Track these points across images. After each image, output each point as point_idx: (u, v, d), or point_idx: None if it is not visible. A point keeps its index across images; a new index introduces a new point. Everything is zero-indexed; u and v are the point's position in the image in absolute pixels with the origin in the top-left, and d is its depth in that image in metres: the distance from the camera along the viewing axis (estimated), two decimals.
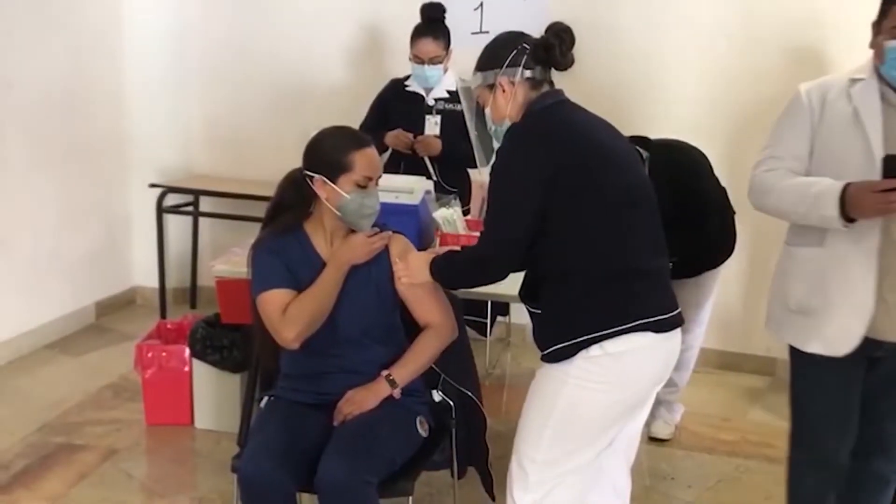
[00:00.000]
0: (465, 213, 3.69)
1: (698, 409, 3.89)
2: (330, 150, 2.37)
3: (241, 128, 4.94)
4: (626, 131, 2.35)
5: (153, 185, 4.74)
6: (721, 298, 3.73)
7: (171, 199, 4.83)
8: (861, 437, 2.34)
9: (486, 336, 4.27)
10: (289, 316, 2.32)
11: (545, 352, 2.14)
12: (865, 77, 2.18)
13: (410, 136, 3.72)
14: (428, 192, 3.17)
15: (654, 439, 3.62)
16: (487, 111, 2.26)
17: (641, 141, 3.15)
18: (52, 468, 3.25)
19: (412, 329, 2.51)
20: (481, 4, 4.38)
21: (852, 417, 2.32)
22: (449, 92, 3.74)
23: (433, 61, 3.69)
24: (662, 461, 3.47)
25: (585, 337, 2.05)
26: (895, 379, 2.30)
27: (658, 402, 3.66)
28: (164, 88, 4.90)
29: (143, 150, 4.93)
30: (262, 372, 2.63)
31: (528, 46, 2.18)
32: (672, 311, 2.15)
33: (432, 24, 3.72)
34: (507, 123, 2.21)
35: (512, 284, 2.32)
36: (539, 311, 2.18)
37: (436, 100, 3.79)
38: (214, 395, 3.54)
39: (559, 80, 2.26)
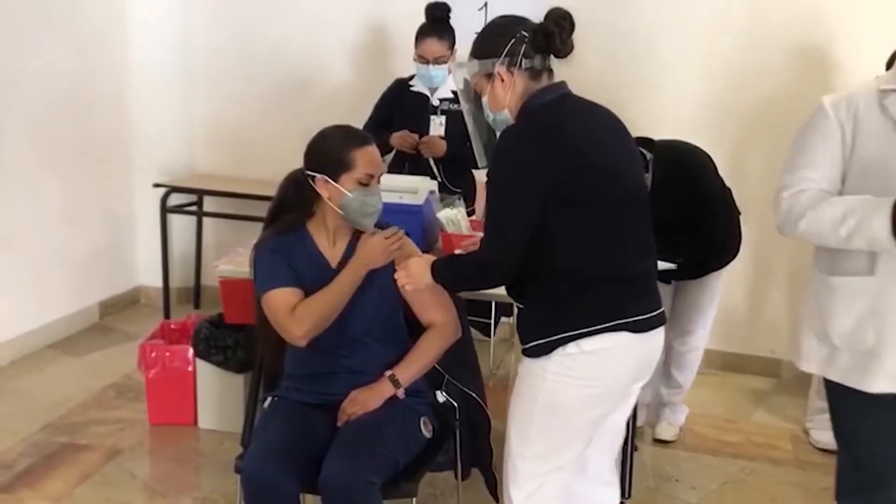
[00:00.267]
0: (470, 213, 3.69)
1: (703, 410, 3.88)
2: (331, 149, 2.37)
3: (245, 127, 4.93)
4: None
5: (157, 185, 4.74)
6: (725, 299, 3.72)
7: (175, 199, 4.82)
8: None
9: (489, 337, 4.26)
10: (298, 314, 2.32)
11: (525, 346, 2.18)
12: None
13: (416, 136, 3.72)
14: (432, 193, 3.16)
15: (658, 441, 3.61)
16: (485, 100, 2.21)
17: (645, 142, 3.14)
18: (56, 468, 3.25)
19: (415, 329, 2.51)
20: (486, 4, 4.37)
21: None
22: (453, 92, 3.69)
23: (438, 61, 3.67)
24: (667, 463, 3.46)
25: (563, 335, 2.08)
26: None
27: (662, 404, 3.66)
28: (169, 88, 4.90)
29: (147, 149, 4.92)
30: (265, 372, 2.63)
31: (527, 34, 2.12)
32: (653, 312, 2.16)
33: (437, 24, 3.70)
34: (506, 113, 2.17)
35: None
36: (522, 307, 2.20)
37: (440, 100, 3.77)
38: (218, 396, 3.53)
39: (559, 72, 2.21)
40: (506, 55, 2.12)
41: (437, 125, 3.75)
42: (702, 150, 3.33)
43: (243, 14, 4.84)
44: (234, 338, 3.43)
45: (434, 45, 3.66)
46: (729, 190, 3.41)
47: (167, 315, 4.75)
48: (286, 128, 4.71)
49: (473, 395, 2.56)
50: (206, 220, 5.04)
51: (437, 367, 2.51)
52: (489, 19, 2.34)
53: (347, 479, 2.14)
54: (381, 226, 2.46)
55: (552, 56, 2.16)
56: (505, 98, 2.16)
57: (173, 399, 3.56)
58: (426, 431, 2.43)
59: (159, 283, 4.89)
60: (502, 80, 2.14)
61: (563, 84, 2.19)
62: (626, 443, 2.98)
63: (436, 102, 3.78)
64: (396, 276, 2.33)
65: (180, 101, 4.95)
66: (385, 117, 3.84)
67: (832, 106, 2.05)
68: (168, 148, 4.96)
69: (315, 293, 2.35)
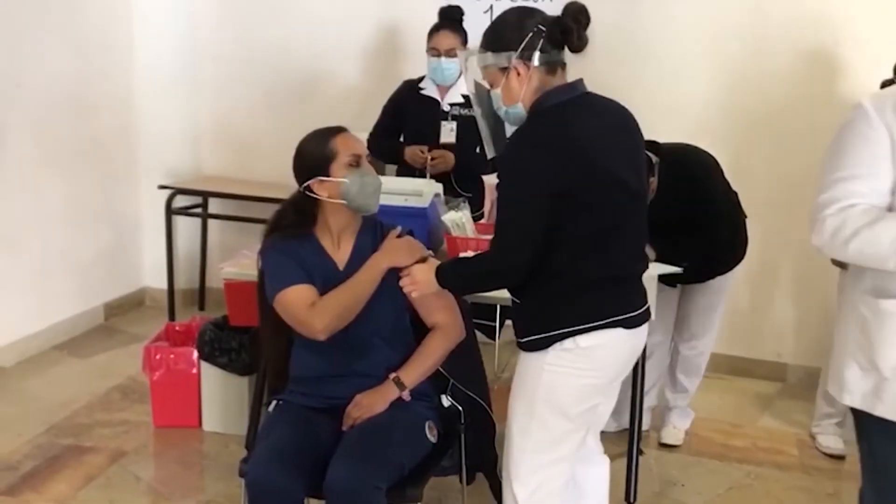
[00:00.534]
0: (479, 217, 3.67)
1: (708, 414, 3.86)
2: (310, 152, 2.42)
3: (250, 130, 4.93)
4: None
5: (162, 187, 4.74)
6: (731, 303, 3.70)
7: (181, 201, 4.83)
8: None
9: (494, 340, 4.25)
10: (318, 307, 2.33)
11: (521, 340, 2.20)
12: None
13: (426, 151, 3.64)
14: (437, 196, 3.15)
15: (663, 445, 3.59)
16: (497, 91, 2.20)
17: (651, 145, 3.13)
18: (60, 470, 3.24)
19: (420, 330, 2.51)
20: (491, 7, 4.37)
21: None
22: (464, 96, 3.67)
23: (449, 53, 3.62)
24: (672, 467, 3.44)
25: (560, 331, 2.12)
26: None
27: (668, 408, 3.65)
28: (174, 90, 4.91)
29: (153, 151, 4.93)
30: (270, 375, 2.62)
31: (543, 28, 2.12)
32: (642, 308, 2.22)
33: (451, 22, 3.70)
34: (520, 106, 2.16)
35: None
36: (519, 302, 2.22)
37: (451, 105, 3.73)
38: (222, 398, 3.53)
39: (567, 70, 2.19)
40: (523, 49, 2.11)
41: (448, 131, 3.70)
42: (706, 153, 3.31)
43: (249, 16, 4.84)
44: (238, 340, 3.43)
45: (448, 38, 3.63)
46: (735, 193, 3.39)
47: (172, 317, 4.75)
48: (292, 130, 4.62)
49: (479, 399, 2.56)
50: (211, 221, 5.04)
51: (443, 371, 2.50)
52: None
53: (352, 484, 2.14)
54: (387, 228, 2.46)
55: (566, 50, 2.16)
56: (520, 92, 2.15)
57: (178, 401, 3.56)
58: (431, 436, 2.42)
59: (164, 284, 4.89)
60: (518, 74, 2.14)
61: (579, 83, 2.18)
62: (630, 447, 2.99)
63: (446, 108, 3.73)
64: (402, 283, 2.34)
65: (186, 102, 4.95)
66: (394, 121, 3.81)
67: (875, 107, 1.79)
68: (173, 150, 4.96)
69: (331, 290, 2.36)
